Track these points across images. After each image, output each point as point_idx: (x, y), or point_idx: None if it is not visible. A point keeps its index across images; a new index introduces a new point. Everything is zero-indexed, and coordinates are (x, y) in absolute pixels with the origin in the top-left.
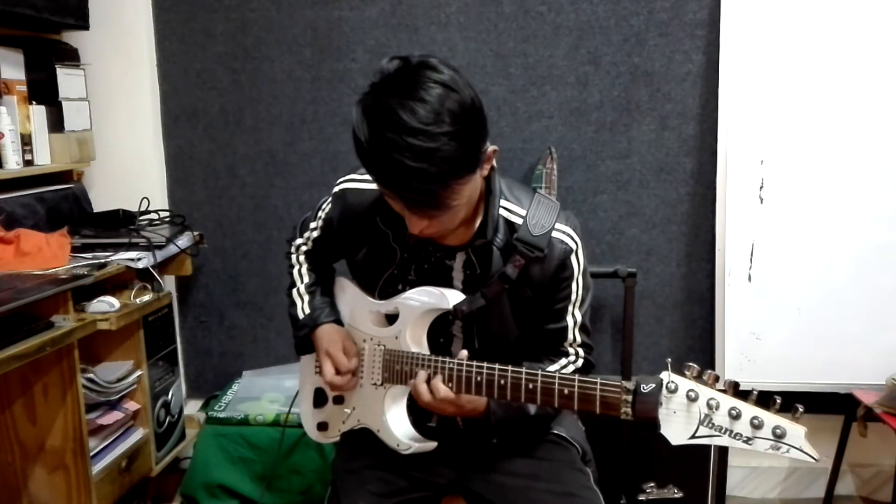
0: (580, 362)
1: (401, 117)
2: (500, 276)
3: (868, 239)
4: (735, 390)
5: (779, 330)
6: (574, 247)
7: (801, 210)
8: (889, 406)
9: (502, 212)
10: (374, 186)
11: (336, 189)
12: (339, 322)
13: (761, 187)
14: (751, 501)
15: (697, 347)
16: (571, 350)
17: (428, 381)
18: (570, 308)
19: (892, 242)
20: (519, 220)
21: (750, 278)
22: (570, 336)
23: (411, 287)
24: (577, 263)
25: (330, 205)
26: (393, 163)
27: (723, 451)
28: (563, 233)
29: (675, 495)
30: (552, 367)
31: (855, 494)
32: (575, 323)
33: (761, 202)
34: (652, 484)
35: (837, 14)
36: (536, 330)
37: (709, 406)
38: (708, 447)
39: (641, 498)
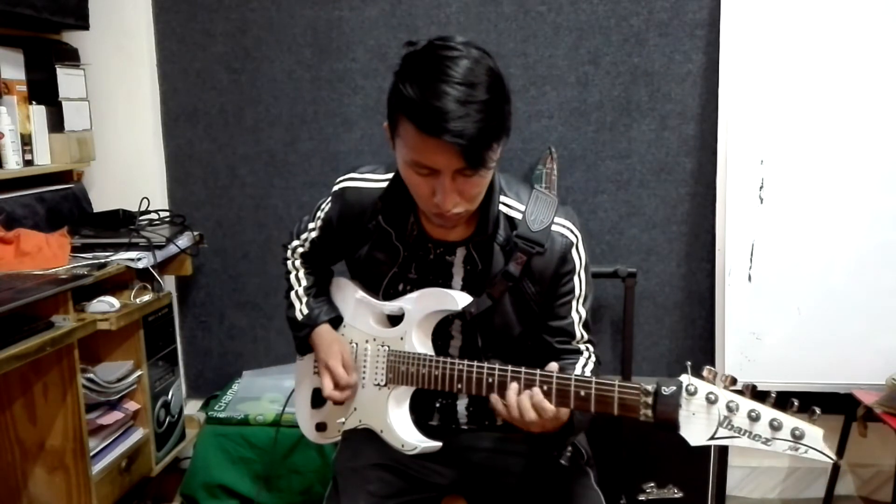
0: (594, 358)
1: (452, 70)
2: (504, 275)
3: (868, 239)
4: (753, 393)
5: (779, 330)
6: (574, 240)
7: (801, 210)
8: (889, 406)
9: (502, 207)
10: (374, 185)
11: (335, 188)
12: (338, 319)
13: (761, 187)
14: (751, 501)
15: (697, 347)
16: (582, 347)
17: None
18: (574, 304)
19: (892, 242)
20: (518, 216)
21: (750, 278)
22: (578, 333)
23: (412, 285)
24: (579, 257)
25: (329, 204)
26: (446, 112)
27: (723, 452)
28: (563, 226)
29: (675, 495)
30: (576, 371)
31: (855, 494)
32: (580, 319)
33: (761, 202)
34: (652, 484)
35: (837, 14)
36: (541, 328)
37: (728, 408)
38: (708, 447)
39: (641, 498)
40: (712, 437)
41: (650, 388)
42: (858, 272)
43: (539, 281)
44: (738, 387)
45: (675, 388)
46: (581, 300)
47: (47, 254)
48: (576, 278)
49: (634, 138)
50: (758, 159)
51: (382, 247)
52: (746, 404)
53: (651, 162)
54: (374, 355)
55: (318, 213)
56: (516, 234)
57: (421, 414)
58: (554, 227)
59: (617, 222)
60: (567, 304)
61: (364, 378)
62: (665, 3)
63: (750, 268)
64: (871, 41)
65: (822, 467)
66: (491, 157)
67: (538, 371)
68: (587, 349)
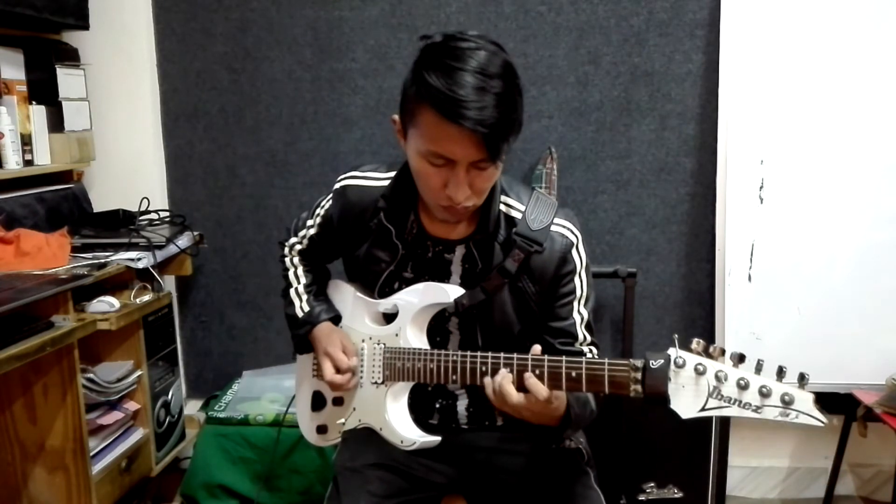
0: None
1: (471, 60)
2: (500, 270)
3: (868, 239)
4: (741, 362)
5: (779, 330)
6: (575, 240)
7: (801, 210)
8: (889, 406)
9: (502, 207)
10: (376, 183)
11: (337, 186)
12: (338, 318)
13: (761, 187)
14: (751, 501)
15: None
16: (585, 349)
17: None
18: (576, 305)
19: (892, 242)
20: (518, 215)
21: (750, 278)
22: (581, 335)
23: (407, 284)
24: (580, 258)
25: (330, 202)
26: (466, 99)
27: (723, 451)
28: (563, 227)
29: (675, 495)
30: None
31: (855, 494)
32: (582, 320)
33: (761, 202)
34: (652, 484)
35: (837, 14)
36: (542, 329)
37: (717, 378)
38: (708, 442)
39: (641, 498)
40: (703, 409)
41: (639, 363)
42: (858, 272)
43: (539, 280)
44: (728, 357)
45: (662, 361)
46: (582, 301)
47: (47, 254)
48: (577, 279)
49: (634, 138)
50: (758, 159)
51: (382, 245)
52: (735, 373)
53: (651, 162)
54: (370, 354)
55: (318, 211)
56: (515, 231)
57: (421, 414)
58: (554, 228)
59: (617, 222)
60: (568, 305)
61: (362, 377)
62: (665, 3)
63: (750, 268)
64: (870, 41)
65: (822, 467)
66: (505, 149)
67: (530, 356)
68: (590, 352)
